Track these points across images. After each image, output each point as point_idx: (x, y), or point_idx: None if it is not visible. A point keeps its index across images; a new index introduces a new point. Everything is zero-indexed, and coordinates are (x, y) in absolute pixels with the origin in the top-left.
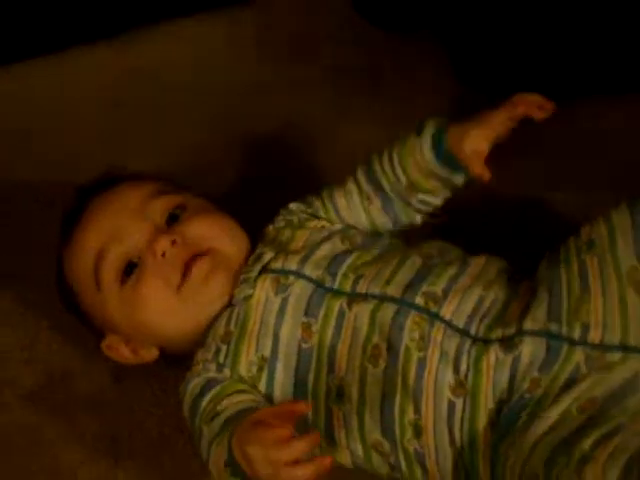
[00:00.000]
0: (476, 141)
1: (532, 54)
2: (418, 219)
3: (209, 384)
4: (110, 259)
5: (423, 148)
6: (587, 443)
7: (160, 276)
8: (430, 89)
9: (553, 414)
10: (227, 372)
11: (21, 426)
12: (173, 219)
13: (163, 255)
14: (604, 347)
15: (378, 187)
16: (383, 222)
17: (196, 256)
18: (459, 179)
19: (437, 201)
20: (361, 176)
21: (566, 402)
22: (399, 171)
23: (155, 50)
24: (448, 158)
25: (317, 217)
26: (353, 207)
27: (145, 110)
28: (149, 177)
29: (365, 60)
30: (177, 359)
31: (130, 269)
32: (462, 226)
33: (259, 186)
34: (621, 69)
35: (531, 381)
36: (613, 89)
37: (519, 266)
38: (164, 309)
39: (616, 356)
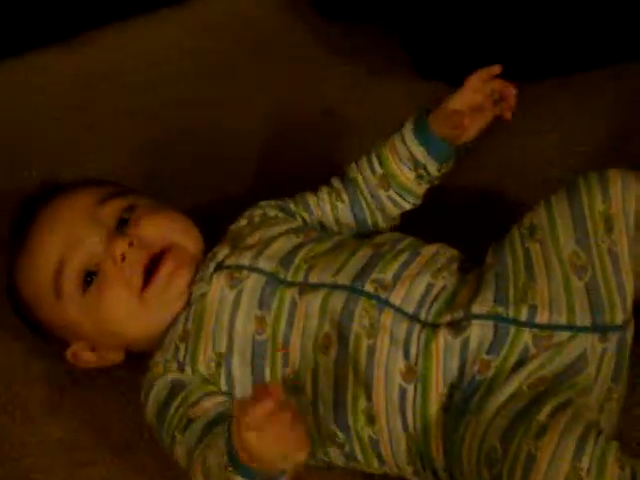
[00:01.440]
0: (452, 103)
1: (487, 41)
2: (382, 222)
3: (173, 389)
4: (69, 269)
5: (404, 130)
6: (543, 414)
7: (122, 281)
8: (383, 79)
9: (505, 392)
10: (189, 370)
11: None
12: (124, 222)
13: (123, 259)
14: (552, 327)
15: (349, 182)
16: (347, 220)
17: (157, 257)
18: (434, 167)
19: (406, 204)
20: (334, 179)
21: (517, 381)
22: (375, 162)
23: (108, 51)
24: (427, 138)
25: (284, 210)
26: (321, 202)
27: (101, 112)
28: (90, 182)
29: (318, 50)
30: (142, 356)
31: (90, 277)
32: (421, 214)
33: (222, 187)
34: (569, 50)
35: (481, 363)
36: (562, 70)
37: (474, 254)
38: (129, 313)
39: (564, 335)
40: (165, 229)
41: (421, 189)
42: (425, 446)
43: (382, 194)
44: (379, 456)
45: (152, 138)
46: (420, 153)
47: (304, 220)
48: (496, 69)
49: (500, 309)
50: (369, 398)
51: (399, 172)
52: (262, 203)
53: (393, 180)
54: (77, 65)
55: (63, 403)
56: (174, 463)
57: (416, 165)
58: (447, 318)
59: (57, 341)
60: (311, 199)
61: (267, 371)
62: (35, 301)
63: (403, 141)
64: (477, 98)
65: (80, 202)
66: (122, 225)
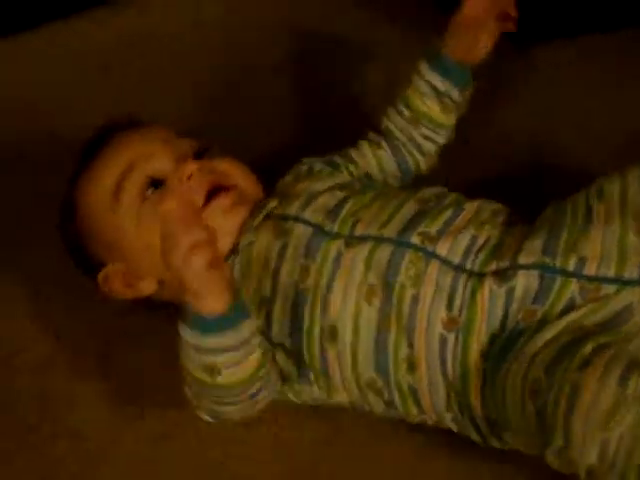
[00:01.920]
0: (456, 18)
1: None
2: (423, 163)
3: None
4: (137, 173)
5: (419, 66)
6: (587, 349)
7: (183, 197)
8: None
9: (546, 336)
10: None
11: (31, 389)
12: (198, 156)
13: (189, 178)
14: (599, 279)
15: (385, 132)
16: (390, 167)
17: (221, 188)
18: (455, 92)
19: (439, 138)
20: (369, 132)
21: (561, 325)
22: (401, 106)
23: (145, 15)
24: (441, 66)
25: (330, 164)
26: (364, 154)
27: (135, 74)
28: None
29: None
30: (169, 304)
31: (153, 187)
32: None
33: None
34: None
35: (525, 311)
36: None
37: (520, 210)
38: None
39: (611, 288)
40: (235, 169)
41: (450, 120)
42: (464, 393)
43: (415, 133)
44: (418, 403)
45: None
46: (439, 82)
47: (350, 173)
48: None
49: (547, 259)
50: (410, 345)
51: (425, 107)
52: (307, 159)
53: (422, 117)
54: (120, 27)
55: (111, 359)
56: None
57: (438, 95)
58: (493, 267)
59: (95, 266)
60: (354, 152)
61: (306, 317)
62: (91, 209)
63: (420, 76)
64: (477, 9)
65: (158, 131)
66: (198, 157)
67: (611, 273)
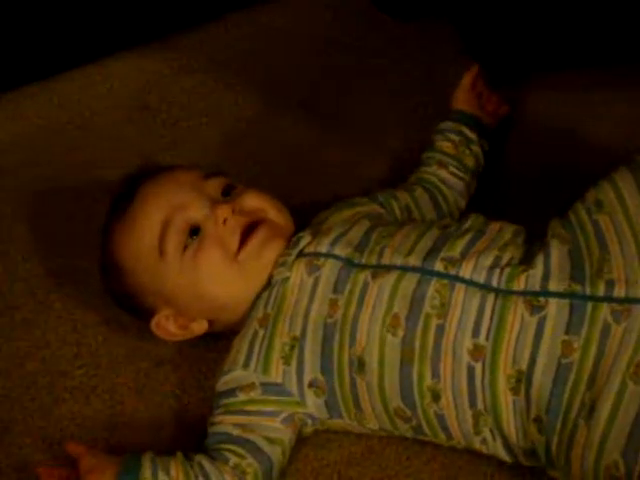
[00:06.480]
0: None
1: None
2: (460, 200)
3: (230, 390)
4: (175, 226)
5: (441, 125)
6: None
7: (219, 242)
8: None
9: (610, 393)
10: (252, 366)
11: (70, 413)
12: (227, 194)
13: (224, 222)
14: (629, 300)
15: (416, 181)
16: (427, 205)
17: (254, 224)
18: (469, 131)
19: (465, 175)
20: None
21: (618, 375)
22: (429, 153)
23: (181, 55)
24: (455, 115)
25: (369, 196)
26: (401, 195)
27: (171, 112)
28: (191, 165)
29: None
30: (220, 336)
31: (192, 236)
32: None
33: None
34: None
35: (562, 344)
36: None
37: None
38: (222, 274)
39: None
40: (264, 204)
41: (473, 164)
42: (497, 424)
43: (444, 173)
44: (446, 430)
45: (225, 133)
46: (464, 129)
47: (390, 206)
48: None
49: (577, 287)
50: (435, 375)
51: (452, 150)
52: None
53: (450, 159)
54: (149, 68)
55: (147, 385)
56: None
57: (464, 140)
58: (522, 285)
59: (147, 312)
60: (395, 190)
61: (335, 350)
62: (135, 264)
63: (443, 128)
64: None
65: (185, 176)
66: (226, 195)
67: (639, 294)
